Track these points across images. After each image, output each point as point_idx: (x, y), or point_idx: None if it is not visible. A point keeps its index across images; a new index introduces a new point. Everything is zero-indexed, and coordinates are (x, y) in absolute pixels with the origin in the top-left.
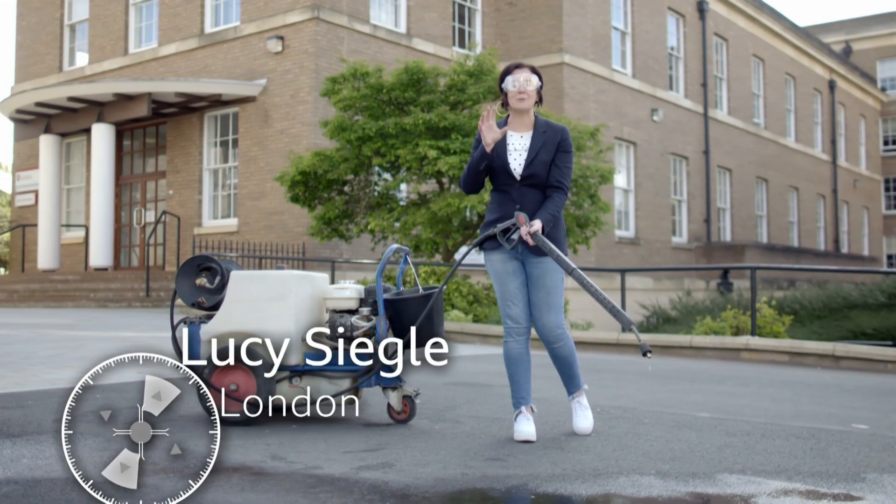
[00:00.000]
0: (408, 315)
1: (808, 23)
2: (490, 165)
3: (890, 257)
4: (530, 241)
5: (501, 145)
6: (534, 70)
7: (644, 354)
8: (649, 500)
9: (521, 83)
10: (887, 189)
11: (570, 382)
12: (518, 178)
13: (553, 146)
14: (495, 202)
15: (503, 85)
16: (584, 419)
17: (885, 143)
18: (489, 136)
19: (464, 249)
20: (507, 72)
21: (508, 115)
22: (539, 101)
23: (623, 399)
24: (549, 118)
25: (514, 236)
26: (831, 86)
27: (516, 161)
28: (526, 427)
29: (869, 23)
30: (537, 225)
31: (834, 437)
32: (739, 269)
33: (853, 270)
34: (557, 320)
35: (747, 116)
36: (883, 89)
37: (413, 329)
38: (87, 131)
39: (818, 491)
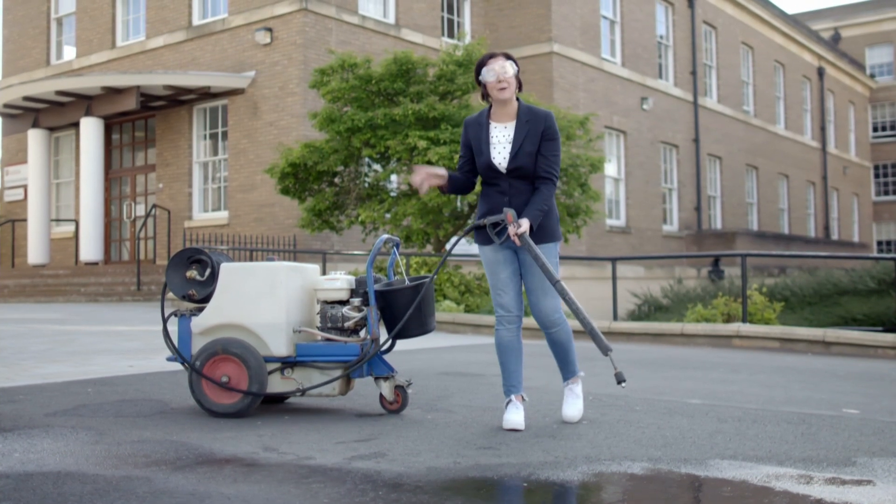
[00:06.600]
0: (399, 306)
1: (797, 10)
2: (473, 161)
3: (880, 243)
4: (517, 242)
5: (484, 139)
6: (508, 56)
7: (619, 383)
8: (641, 487)
9: (498, 71)
10: (877, 176)
11: (566, 368)
12: (504, 171)
13: (537, 135)
14: (484, 196)
15: (480, 77)
16: (572, 407)
17: (875, 129)
18: (416, 178)
19: (453, 239)
20: (482, 63)
21: (490, 107)
22: (519, 87)
23: (614, 386)
24: (537, 105)
25: (503, 234)
26: (820, 73)
27: (500, 154)
28: (514, 416)
29: (857, 9)
30: (525, 226)
31: (825, 422)
32: (730, 256)
33: (843, 257)
34: (554, 304)
35: (737, 104)
36: (872, 76)
37: (403, 320)
38: (76, 125)
39: (809, 475)
